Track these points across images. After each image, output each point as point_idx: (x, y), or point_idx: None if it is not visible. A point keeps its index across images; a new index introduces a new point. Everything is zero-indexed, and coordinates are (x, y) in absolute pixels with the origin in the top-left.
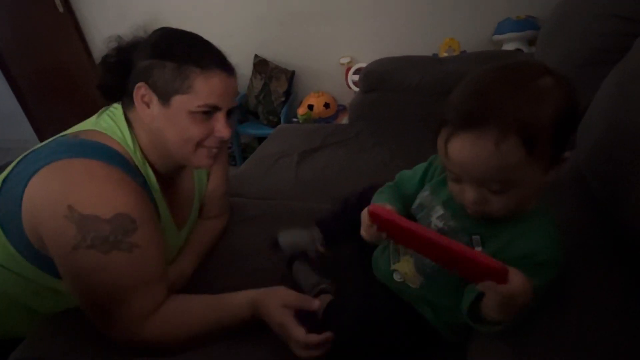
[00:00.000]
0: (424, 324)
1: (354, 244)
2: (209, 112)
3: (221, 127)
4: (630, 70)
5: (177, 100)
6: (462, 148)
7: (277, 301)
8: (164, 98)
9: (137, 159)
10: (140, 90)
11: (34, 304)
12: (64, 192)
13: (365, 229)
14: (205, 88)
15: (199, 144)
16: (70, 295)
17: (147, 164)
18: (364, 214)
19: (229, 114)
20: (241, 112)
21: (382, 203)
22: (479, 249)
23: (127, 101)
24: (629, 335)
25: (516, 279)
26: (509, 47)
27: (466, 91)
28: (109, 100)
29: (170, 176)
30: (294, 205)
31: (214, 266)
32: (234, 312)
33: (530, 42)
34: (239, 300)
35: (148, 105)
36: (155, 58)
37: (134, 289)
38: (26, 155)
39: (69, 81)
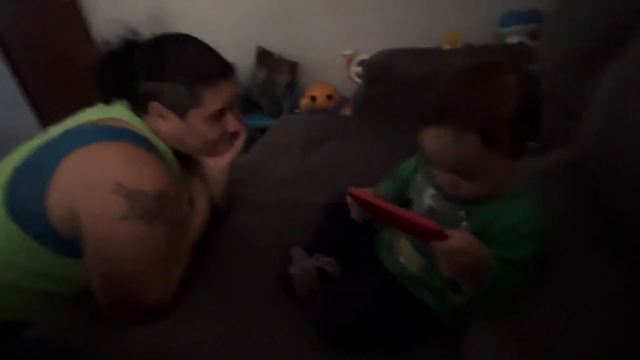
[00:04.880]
0: (424, 311)
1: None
2: (220, 114)
3: (232, 122)
4: (634, 63)
5: (192, 113)
6: (430, 140)
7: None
8: (180, 113)
9: (158, 143)
10: (156, 108)
11: (36, 286)
12: (108, 170)
13: (352, 210)
14: (214, 98)
15: (217, 142)
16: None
17: (167, 148)
18: (348, 197)
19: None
20: (244, 103)
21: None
22: (464, 224)
23: (135, 107)
24: (624, 323)
25: (456, 236)
26: (512, 39)
27: (438, 91)
28: (108, 99)
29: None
30: (298, 196)
31: (214, 253)
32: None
33: (534, 35)
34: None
35: (164, 118)
36: (165, 81)
37: (164, 260)
38: (41, 146)
39: (74, 71)
